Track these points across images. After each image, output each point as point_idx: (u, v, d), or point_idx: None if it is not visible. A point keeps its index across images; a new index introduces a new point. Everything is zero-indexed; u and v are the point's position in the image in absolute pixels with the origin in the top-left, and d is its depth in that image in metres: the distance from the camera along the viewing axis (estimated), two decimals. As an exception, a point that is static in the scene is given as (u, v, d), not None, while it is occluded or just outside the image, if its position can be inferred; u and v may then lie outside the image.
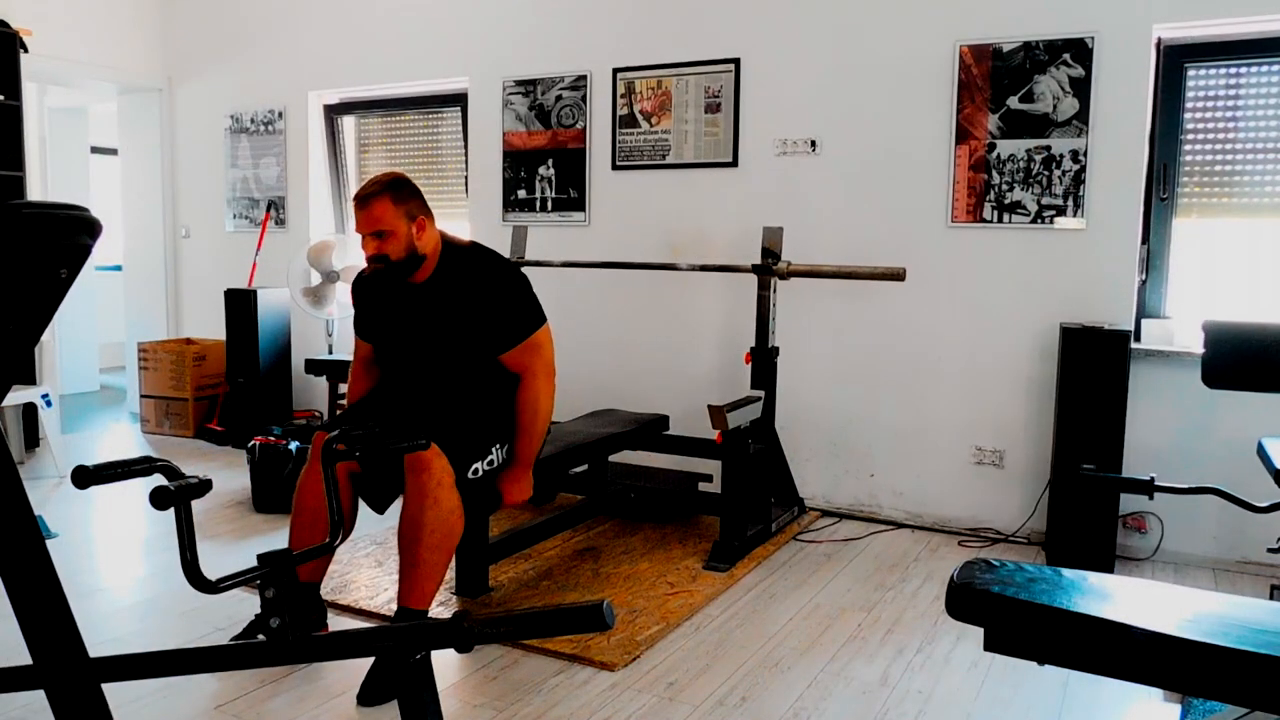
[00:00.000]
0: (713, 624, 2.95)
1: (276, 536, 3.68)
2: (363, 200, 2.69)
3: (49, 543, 2.10)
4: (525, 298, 2.83)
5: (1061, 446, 3.54)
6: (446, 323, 2.77)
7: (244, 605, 2.91)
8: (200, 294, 6.08)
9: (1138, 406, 3.57)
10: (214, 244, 6.05)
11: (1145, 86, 3.58)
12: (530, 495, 2.88)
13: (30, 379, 4.82)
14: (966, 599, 1.51)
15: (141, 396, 5.79)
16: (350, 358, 5.02)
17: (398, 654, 1.43)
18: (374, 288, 2.91)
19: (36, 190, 5.20)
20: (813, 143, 4.16)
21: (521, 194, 4.87)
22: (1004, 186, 3.79)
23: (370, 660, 2.44)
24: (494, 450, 2.78)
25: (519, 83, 4.82)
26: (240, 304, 5.35)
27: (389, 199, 2.67)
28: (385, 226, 2.67)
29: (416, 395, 2.83)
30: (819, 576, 3.40)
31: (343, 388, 5.15)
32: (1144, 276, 3.71)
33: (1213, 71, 3.59)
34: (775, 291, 3.91)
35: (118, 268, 6.86)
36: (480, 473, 2.72)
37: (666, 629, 2.88)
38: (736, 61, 4.28)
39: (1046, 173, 3.72)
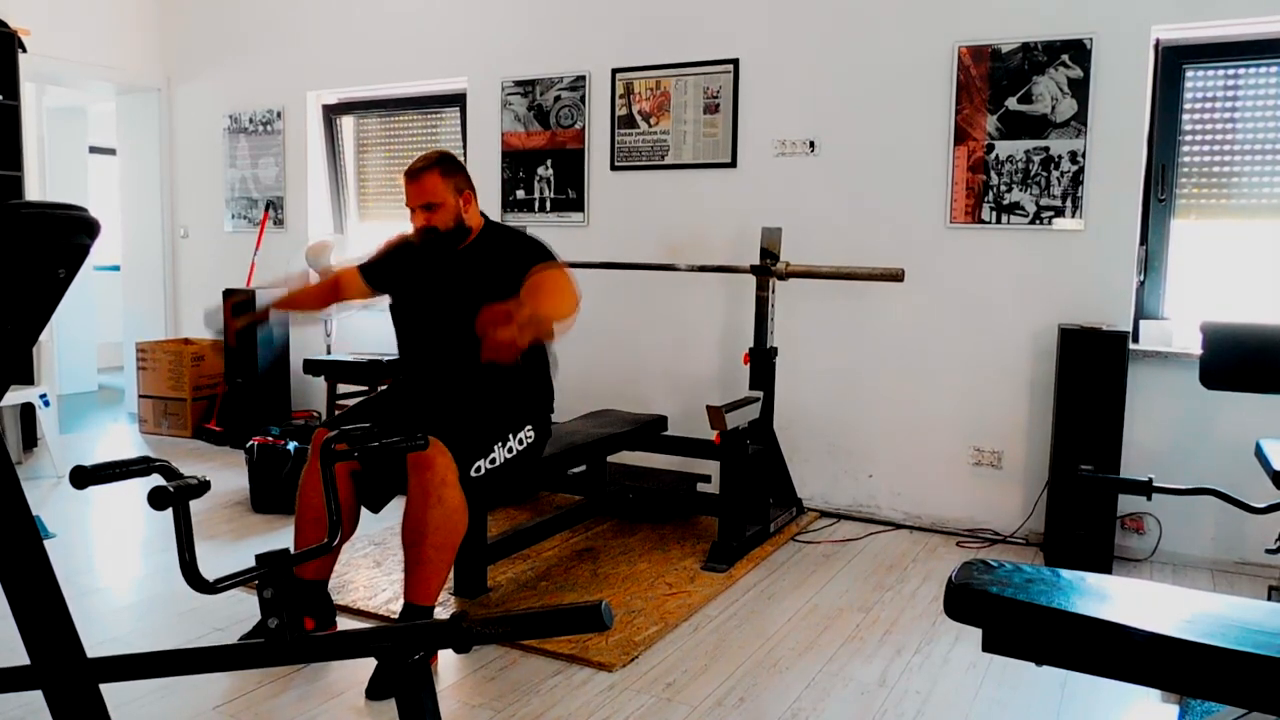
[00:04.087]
0: (711, 624, 2.95)
1: (275, 537, 3.68)
2: (414, 174, 2.80)
3: (47, 543, 2.10)
4: (552, 256, 2.87)
5: (1060, 447, 3.54)
6: (473, 280, 2.82)
7: (242, 605, 2.91)
8: (199, 294, 6.07)
9: (1136, 407, 3.57)
10: (212, 244, 6.04)
11: (1144, 88, 3.58)
12: (513, 339, 2.25)
13: (28, 379, 4.82)
14: (965, 599, 1.51)
15: (140, 396, 5.78)
16: (347, 357, 5.08)
17: (396, 654, 1.43)
18: (415, 253, 2.95)
19: (35, 190, 5.19)
20: (811, 143, 4.16)
21: (520, 194, 4.87)
22: (1002, 187, 3.79)
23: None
24: (497, 449, 2.78)
25: (518, 83, 4.82)
26: (239, 304, 5.34)
27: (439, 172, 2.79)
28: (435, 199, 2.78)
29: (429, 365, 2.88)
30: (817, 577, 3.40)
31: (342, 388, 5.15)
32: (1142, 277, 3.71)
33: (1211, 73, 3.59)
34: (774, 292, 3.91)
35: (116, 268, 6.85)
36: (483, 471, 2.72)
37: (665, 629, 2.87)
38: (735, 62, 4.28)
39: (1045, 174, 3.72)
